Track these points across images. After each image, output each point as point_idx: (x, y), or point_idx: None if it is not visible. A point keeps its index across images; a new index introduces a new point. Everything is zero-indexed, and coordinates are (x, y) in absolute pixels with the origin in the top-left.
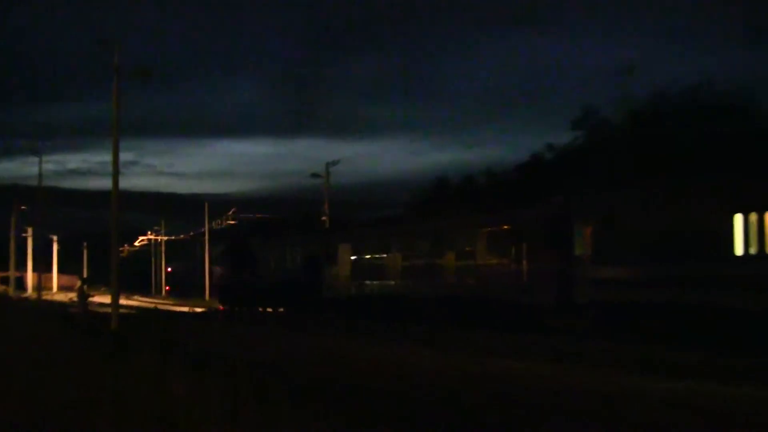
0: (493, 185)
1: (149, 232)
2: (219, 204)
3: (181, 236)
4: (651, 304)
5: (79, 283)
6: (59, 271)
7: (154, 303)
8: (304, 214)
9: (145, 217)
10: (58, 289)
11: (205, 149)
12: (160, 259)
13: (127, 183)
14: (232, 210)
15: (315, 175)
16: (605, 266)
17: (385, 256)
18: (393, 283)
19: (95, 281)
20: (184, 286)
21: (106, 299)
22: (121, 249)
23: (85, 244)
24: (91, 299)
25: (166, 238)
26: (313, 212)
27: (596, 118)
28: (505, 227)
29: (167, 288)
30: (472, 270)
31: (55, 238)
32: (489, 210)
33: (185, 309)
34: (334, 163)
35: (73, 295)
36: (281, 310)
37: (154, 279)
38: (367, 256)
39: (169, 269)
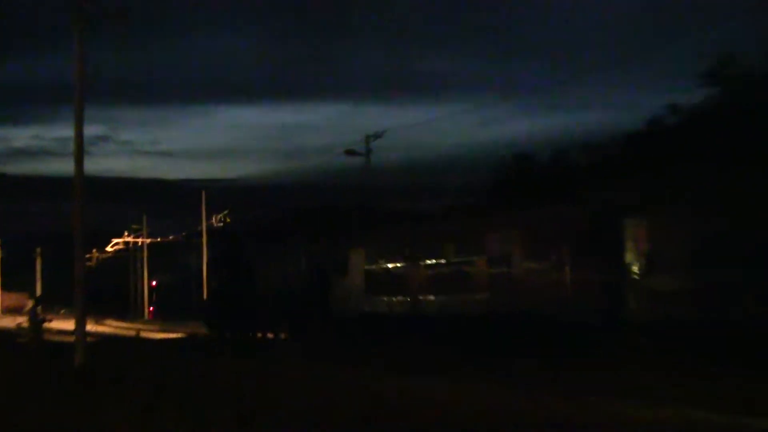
0: (595, 162)
1: (126, 233)
2: (221, 193)
3: (170, 237)
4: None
5: (30, 304)
6: (3, 287)
7: (135, 329)
8: (332, 207)
9: (120, 212)
10: (1, 311)
11: (200, 120)
12: (142, 270)
13: (95, 166)
14: (225, 212)
15: (350, 153)
16: (665, 275)
17: (404, 264)
18: (415, 298)
19: (53, 300)
20: (173, 306)
21: (69, 325)
22: (88, 256)
23: (38, 250)
24: (47, 325)
25: (149, 240)
26: (346, 203)
27: (737, 69)
28: (544, 227)
29: (151, 309)
30: (506, 280)
31: None
32: (524, 205)
33: (174, 335)
34: (377, 135)
35: (22, 320)
36: (283, 335)
37: (134, 296)
38: (386, 265)
39: (154, 283)
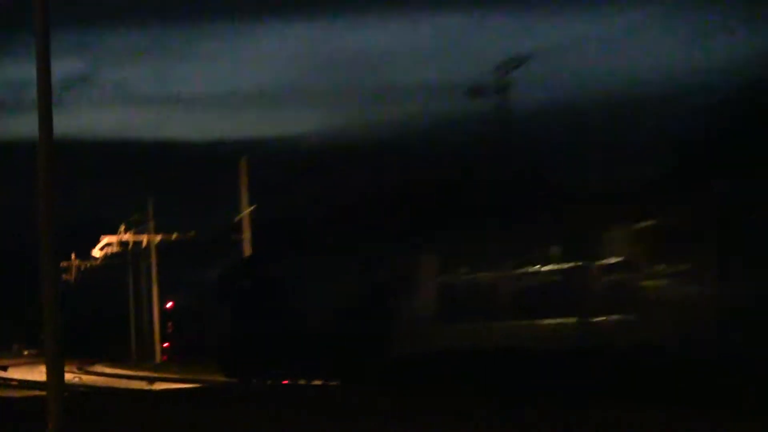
0: None
1: (123, 228)
2: (266, 161)
3: (190, 234)
4: None
5: None
6: None
7: (145, 377)
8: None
9: (112, 195)
10: None
11: (229, 47)
12: (148, 284)
13: (72, 123)
14: (250, 209)
15: (476, 93)
16: None
17: (483, 274)
18: (501, 324)
19: (8, 337)
20: (196, 341)
21: (36, 374)
22: (63, 265)
23: None
24: (1, 374)
25: (158, 238)
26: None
27: None
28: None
29: (165, 345)
30: (619, 296)
31: None
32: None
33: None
34: (518, 62)
35: None
36: (332, 382)
37: (138, 326)
38: (467, 276)
39: (169, 304)
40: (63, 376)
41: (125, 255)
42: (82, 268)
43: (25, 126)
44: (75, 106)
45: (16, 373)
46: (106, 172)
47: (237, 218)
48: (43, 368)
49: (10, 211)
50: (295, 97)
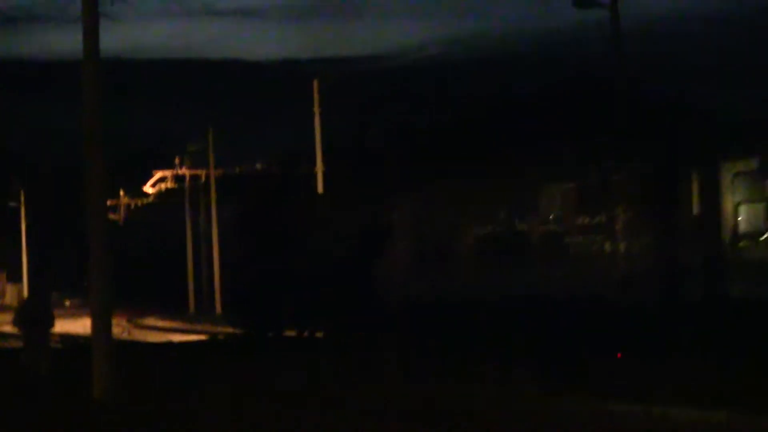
0: None
1: (177, 161)
2: (345, 84)
3: (256, 167)
4: None
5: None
6: None
7: (212, 332)
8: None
9: (166, 124)
10: None
11: None
12: (207, 226)
13: (120, 39)
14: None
15: (583, 2)
16: None
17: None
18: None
19: (48, 284)
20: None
21: (78, 326)
22: (111, 204)
23: (20, 193)
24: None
25: (218, 172)
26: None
27: None
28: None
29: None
30: (555, 252)
31: None
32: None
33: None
34: None
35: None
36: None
37: (197, 275)
38: (439, 229)
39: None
40: (110, 332)
41: (181, 192)
42: (132, 206)
43: (68, 42)
44: (127, 19)
45: (66, 328)
46: (160, 96)
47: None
48: (87, 321)
49: (59, 142)
50: (375, 11)
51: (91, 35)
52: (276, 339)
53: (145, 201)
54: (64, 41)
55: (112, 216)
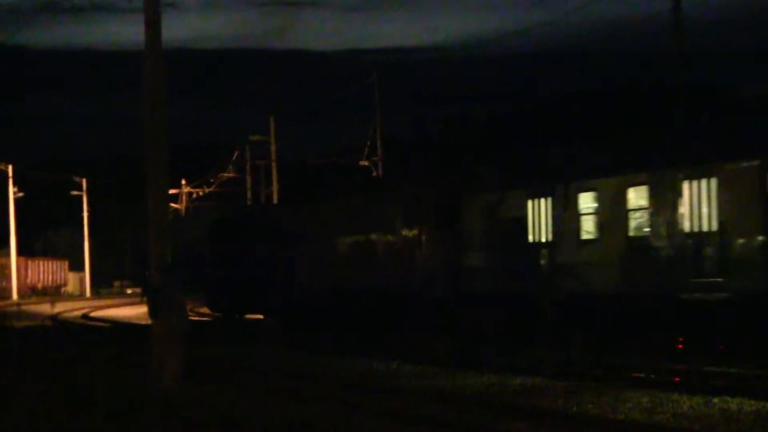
0: None
1: (237, 153)
2: (411, 75)
3: (325, 160)
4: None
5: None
6: (21, 249)
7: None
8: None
9: (227, 112)
10: (19, 293)
11: None
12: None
13: (184, 29)
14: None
15: None
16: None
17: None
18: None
19: (114, 273)
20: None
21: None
22: (172, 193)
23: (82, 182)
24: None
25: (276, 163)
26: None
27: None
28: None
29: None
30: (390, 257)
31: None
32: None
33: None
34: None
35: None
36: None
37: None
38: (325, 237)
39: None
40: (186, 313)
41: (243, 181)
42: (194, 195)
43: (129, 32)
44: (189, 9)
45: (113, 312)
46: (222, 86)
47: (367, 141)
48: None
49: (117, 131)
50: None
51: (153, 25)
52: (240, 319)
53: (207, 190)
54: (129, 32)
55: (173, 205)
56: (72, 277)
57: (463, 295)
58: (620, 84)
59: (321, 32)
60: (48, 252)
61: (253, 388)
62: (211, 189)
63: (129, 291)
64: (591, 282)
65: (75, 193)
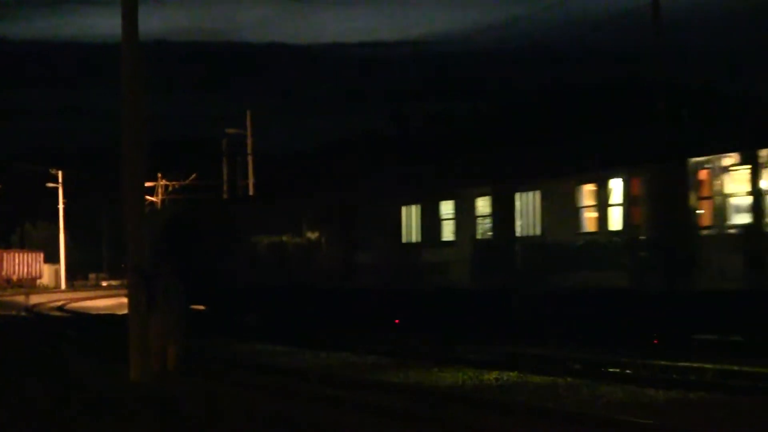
0: None
1: (225, 145)
2: (393, 70)
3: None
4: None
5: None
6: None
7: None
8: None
9: (204, 105)
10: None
11: None
12: None
13: (163, 21)
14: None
15: None
16: None
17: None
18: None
19: (90, 265)
20: None
21: (109, 303)
22: (149, 186)
23: (57, 174)
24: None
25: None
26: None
27: None
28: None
29: None
30: (299, 256)
31: None
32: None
33: None
34: None
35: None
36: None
37: None
38: (253, 238)
39: None
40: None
41: (220, 173)
42: (170, 188)
43: (104, 24)
44: (168, 2)
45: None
46: (200, 78)
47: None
48: (123, 298)
49: (91, 125)
50: None
51: (130, 17)
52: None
53: (183, 183)
54: (109, 24)
55: (150, 198)
56: (47, 270)
57: (354, 288)
58: (599, 80)
59: (300, 26)
60: (25, 244)
61: (229, 383)
62: (187, 182)
63: (104, 284)
64: (450, 277)
65: (51, 185)
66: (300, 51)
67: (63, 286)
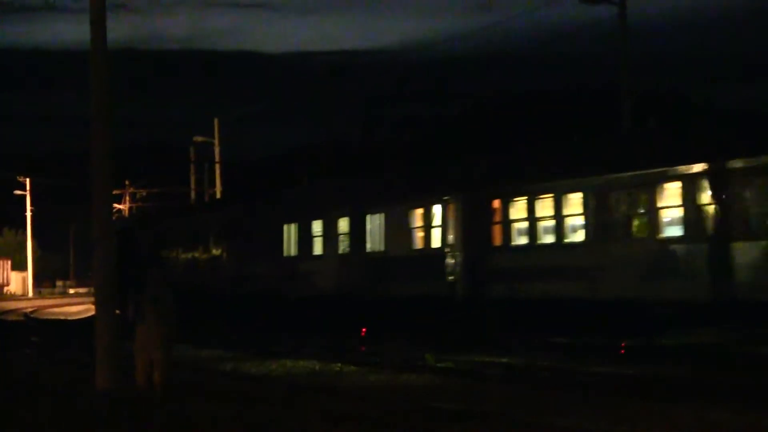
0: None
1: (193, 149)
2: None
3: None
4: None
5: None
6: None
7: None
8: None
9: (173, 113)
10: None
11: None
12: None
13: (135, 29)
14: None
15: None
16: None
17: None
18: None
19: (57, 273)
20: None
21: (75, 310)
22: (116, 193)
23: (25, 182)
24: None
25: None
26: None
27: None
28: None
29: None
30: (205, 267)
31: None
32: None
33: None
34: None
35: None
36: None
37: None
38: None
39: None
40: (114, 320)
41: (188, 181)
42: (138, 196)
43: (73, 32)
44: (137, 10)
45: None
46: (169, 86)
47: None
48: (89, 305)
49: (65, 126)
50: (391, 4)
51: (98, 25)
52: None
53: (151, 191)
54: (77, 31)
55: (117, 206)
56: (15, 277)
57: (244, 294)
58: (563, 88)
59: (269, 34)
60: None
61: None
62: (154, 190)
63: (71, 291)
64: (318, 286)
65: (19, 192)
66: (269, 59)
67: (30, 293)
